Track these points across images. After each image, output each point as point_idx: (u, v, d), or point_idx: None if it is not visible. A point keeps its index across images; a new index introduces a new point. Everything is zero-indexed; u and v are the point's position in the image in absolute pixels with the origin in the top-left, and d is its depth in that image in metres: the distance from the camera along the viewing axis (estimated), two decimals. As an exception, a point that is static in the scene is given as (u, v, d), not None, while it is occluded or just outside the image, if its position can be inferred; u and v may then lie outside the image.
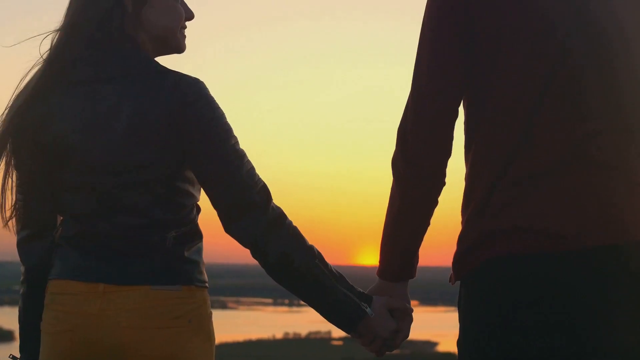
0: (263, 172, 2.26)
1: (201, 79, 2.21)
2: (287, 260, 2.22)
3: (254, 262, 2.28)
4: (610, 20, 2.06)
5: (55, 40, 2.25)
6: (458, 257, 2.15)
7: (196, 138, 2.17)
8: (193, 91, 2.18)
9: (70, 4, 2.26)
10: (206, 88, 2.20)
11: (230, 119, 2.24)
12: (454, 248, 2.18)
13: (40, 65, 2.25)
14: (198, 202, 2.30)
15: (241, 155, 2.21)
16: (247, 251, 2.26)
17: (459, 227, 2.18)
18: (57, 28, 2.26)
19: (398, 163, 2.20)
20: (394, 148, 2.23)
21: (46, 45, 2.26)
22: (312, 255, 2.24)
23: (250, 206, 2.20)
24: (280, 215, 2.23)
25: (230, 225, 2.22)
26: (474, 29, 2.08)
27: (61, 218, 2.29)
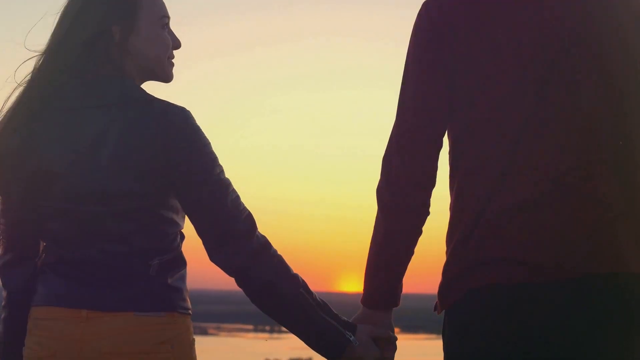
0: (242, 198, 2.27)
1: (178, 103, 2.22)
2: (271, 289, 2.22)
3: (235, 288, 2.29)
4: (595, 55, 2.08)
5: (39, 64, 2.25)
6: (443, 287, 2.15)
7: (181, 167, 2.17)
8: (179, 120, 2.18)
9: (56, 28, 2.26)
10: (192, 117, 2.20)
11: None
12: (434, 276, 2.19)
13: (23, 89, 2.25)
14: (182, 229, 2.30)
15: (226, 184, 2.22)
16: (228, 277, 2.26)
17: (440, 255, 2.19)
18: (42, 51, 2.25)
19: (382, 193, 2.20)
20: (377, 175, 2.24)
21: (26, 68, 2.26)
22: (297, 284, 2.24)
23: (235, 235, 2.20)
24: (264, 244, 2.24)
25: (215, 254, 2.23)
26: (457, 61, 2.10)
27: (44, 244, 2.29)
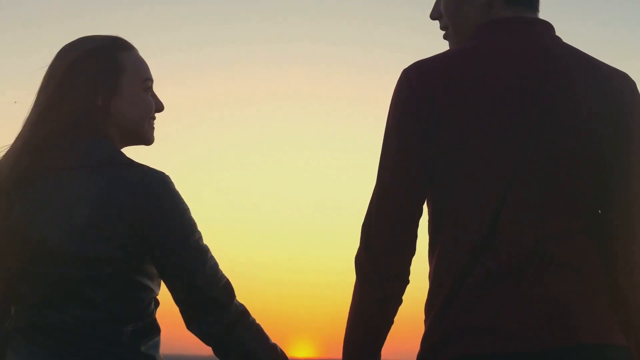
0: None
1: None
2: (249, 359, 2.18)
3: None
4: (571, 124, 2.08)
5: (24, 125, 2.22)
6: (422, 357, 2.13)
7: (159, 233, 2.14)
8: (157, 186, 2.15)
9: (42, 90, 2.23)
10: (171, 182, 2.18)
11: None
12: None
13: (6, 151, 2.22)
14: (157, 296, 2.26)
15: (205, 251, 2.18)
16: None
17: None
18: (28, 114, 2.23)
19: (361, 260, 2.16)
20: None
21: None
22: (275, 355, 2.21)
23: (213, 303, 2.17)
24: (243, 312, 2.21)
25: (192, 322, 2.19)
26: (437, 128, 2.08)
27: (15, 308, 2.22)
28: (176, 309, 2.22)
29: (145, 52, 2.34)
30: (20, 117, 2.26)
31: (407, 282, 2.19)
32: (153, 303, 2.24)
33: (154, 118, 2.31)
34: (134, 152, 2.29)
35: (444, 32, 2.31)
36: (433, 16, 2.30)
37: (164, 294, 2.26)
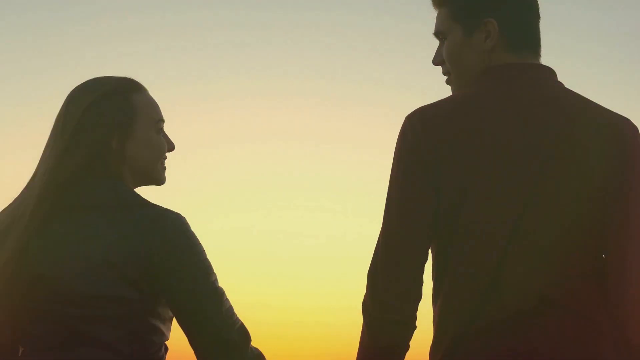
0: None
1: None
2: None
3: None
4: (575, 172, 2.09)
5: (39, 169, 2.23)
6: None
7: (175, 275, 2.13)
8: (174, 227, 2.14)
9: (56, 135, 2.23)
10: (187, 223, 2.17)
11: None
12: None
13: (24, 191, 2.23)
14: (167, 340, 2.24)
15: (220, 294, 2.17)
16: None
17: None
18: (41, 159, 2.23)
19: (368, 306, 2.15)
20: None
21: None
22: None
23: (228, 346, 2.15)
24: (258, 356, 2.20)
25: None
26: (442, 175, 2.09)
27: (23, 349, 2.19)
28: (185, 354, 2.22)
29: (161, 87, 2.36)
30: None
31: (414, 327, 2.17)
32: (163, 347, 2.22)
33: (165, 158, 2.32)
34: (148, 192, 2.31)
35: (446, 77, 2.32)
36: (435, 61, 2.32)
37: (171, 338, 2.26)
